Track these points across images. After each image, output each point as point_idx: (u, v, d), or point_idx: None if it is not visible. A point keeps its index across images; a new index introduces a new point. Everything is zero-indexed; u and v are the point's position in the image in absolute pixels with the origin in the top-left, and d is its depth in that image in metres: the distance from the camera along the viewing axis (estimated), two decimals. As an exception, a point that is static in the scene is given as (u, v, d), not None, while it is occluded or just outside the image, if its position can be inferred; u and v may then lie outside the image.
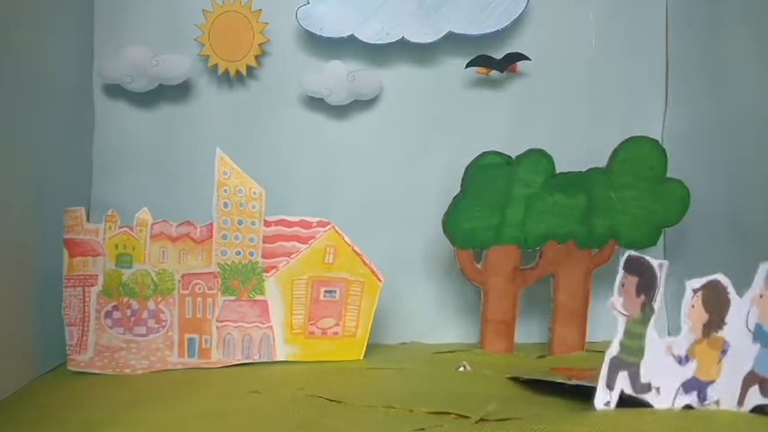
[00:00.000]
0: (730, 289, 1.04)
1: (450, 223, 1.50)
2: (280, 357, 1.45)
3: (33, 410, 1.14)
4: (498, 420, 0.99)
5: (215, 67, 1.65)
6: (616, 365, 1.01)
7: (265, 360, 1.45)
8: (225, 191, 1.43)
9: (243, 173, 1.45)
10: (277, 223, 1.46)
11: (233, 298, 1.44)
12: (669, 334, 1.67)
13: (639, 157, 1.52)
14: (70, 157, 1.56)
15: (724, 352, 1.04)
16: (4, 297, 1.23)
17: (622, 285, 1.01)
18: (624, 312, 1.01)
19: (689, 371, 1.03)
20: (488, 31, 1.66)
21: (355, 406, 1.11)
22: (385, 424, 1.02)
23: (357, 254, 1.46)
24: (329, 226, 1.47)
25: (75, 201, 1.45)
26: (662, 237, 1.58)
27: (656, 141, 1.55)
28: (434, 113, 1.71)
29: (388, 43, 1.65)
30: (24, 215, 1.32)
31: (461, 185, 1.51)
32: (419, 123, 1.71)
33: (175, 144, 1.67)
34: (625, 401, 1.01)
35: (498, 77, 1.69)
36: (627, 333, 1.01)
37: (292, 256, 1.45)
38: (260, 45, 1.65)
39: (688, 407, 1.03)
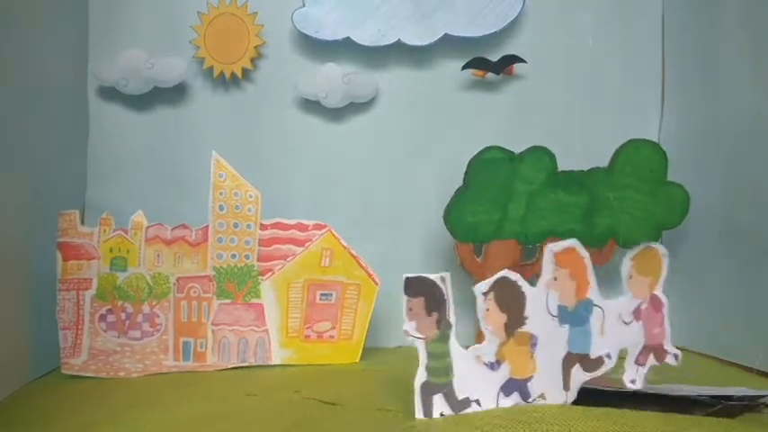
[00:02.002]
0: (521, 282, 1.02)
1: (452, 216, 1.50)
2: (275, 361, 1.45)
3: (27, 414, 1.13)
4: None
5: (210, 69, 1.65)
6: (428, 391, 0.99)
7: (261, 364, 1.44)
8: (221, 193, 1.43)
9: (238, 175, 1.44)
10: (273, 226, 1.46)
11: (228, 301, 1.43)
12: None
13: (640, 160, 1.53)
14: (65, 160, 1.55)
15: (534, 345, 1.03)
16: (-2, 300, 1.23)
17: (410, 309, 0.99)
18: (420, 336, 0.99)
19: (504, 374, 1.02)
20: (484, 33, 1.66)
21: (351, 409, 1.10)
22: (381, 427, 1.01)
23: (353, 257, 1.45)
24: (325, 229, 1.46)
25: (69, 203, 1.45)
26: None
27: (657, 145, 1.56)
28: (430, 116, 1.71)
29: (384, 46, 1.65)
30: (19, 218, 1.31)
31: (464, 179, 1.51)
32: (415, 126, 1.70)
33: (170, 147, 1.67)
34: None
35: (494, 80, 1.69)
36: (430, 355, 0.99)
37: (288, 259, 1.45)
38: (255, 47, 1.65)
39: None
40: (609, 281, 1.14)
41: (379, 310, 1.49)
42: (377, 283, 1.46)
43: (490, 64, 1.66)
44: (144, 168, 1.67)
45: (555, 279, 1.05)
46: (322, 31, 1.64)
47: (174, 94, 1.66)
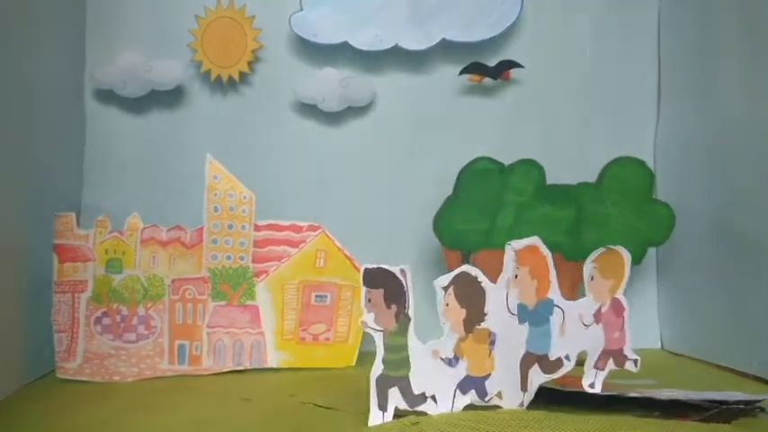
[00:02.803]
0: (481, 278, 1.02)
1: (441, 224, 1.51)
2: (271, 364, 1.44)
3: (21, 419, 1.13)
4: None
5: (208, 72, 1.65)
6: (384, 384, 0.99)
7: (256, 367, 1.44)
8: (215, 195, 1.43)
9: (233, 177, 1.44)
10: (267, 227, 1.46)
11: (224, 303, 1.43)
12: (662, 347, 1.68)
13: (627, 177, 1.54)
14: (61, 163, 1.55)
15: (492, 343, 1.02)
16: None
17: (369, 301, 0.98)
18: (378, 328, 0.98)
19: (461, 371, 1.01)
20: (482, 38, 1.66)
21: (347, 413, 1.10)
22: (377, 430, 1.01)
23: (348, 258, 1.45)
24: (320, 230, 1.46)
25: (65, 206, 1.45)
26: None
27: (643, 162, 1.57)
28: (427, 120, 1.71)
29: (382, 50, 1.66)
30: (16, 220, 1.31)
31: (454, 188, 1.52)
32: (412, 130, 1.71)
33: (167, 149, 1.67)
34: None
35: (491, 85, 1.69)
36: (387, 348, 0.99)
37: (283, 260, 1.45)
38: (253, 51, 1.65)
39: (470, 407, 1.02)
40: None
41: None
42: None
43: (487, 69, 1.67)
44: (141, 171, 1.66)
45: (516, 277, 1.04)
46: (320, 35, 1.64)
47: (172, 97, 1.66)
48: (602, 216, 1.52)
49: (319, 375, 1.40)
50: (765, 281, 1.32)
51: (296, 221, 1.47)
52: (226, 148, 1.57)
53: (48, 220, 1.37)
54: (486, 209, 1.51)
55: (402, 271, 0.99)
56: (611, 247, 1.15)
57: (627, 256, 1.15)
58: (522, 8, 1.66)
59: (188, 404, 1.21)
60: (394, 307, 0.99)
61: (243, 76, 1.66)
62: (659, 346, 1.69)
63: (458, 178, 1.52)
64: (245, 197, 1.44)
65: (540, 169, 1.53)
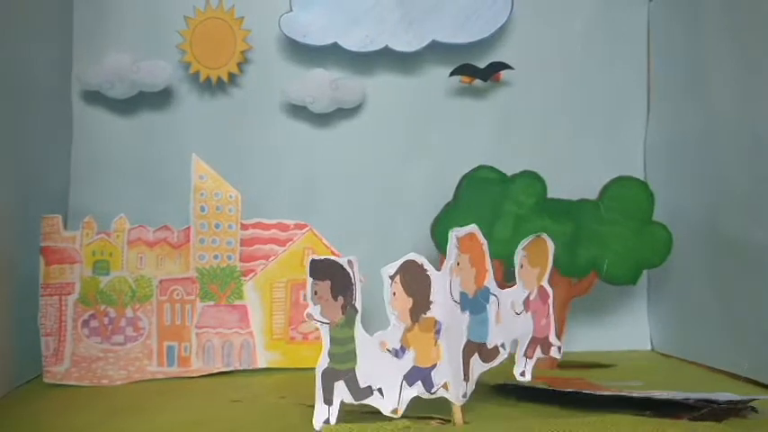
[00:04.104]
0: (427, 266, 1.01)
1: (438, 229, 1.50)
2: (261, 364, 1.43)
3: (7, 425, 1.11)
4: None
5: (196, 74, 1.64)
6: (330, 377, 0.97)
7: (246, 367, 1.43)
8: (201, 194, 1.42)
9: (219, 176, 1.44)
10: (254, 226, 1.46)
11: (212, 303, 1.42)
12: (652, 348, 1.69)
13: (628, 197, 1.53)
14: (48, 164, 1.54)
15: (438, 332, 1.01)
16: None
17: (315, 293, 0.97)
18: (324, 320, 0.97)
19: (408, 362, 1.00)
20: (472, 40, 1.66)
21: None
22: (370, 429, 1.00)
23: (336, 256, 1.44)
24: (307, 228, 1.46)
25: (52, 208, 1.43)
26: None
27: (645, 184, 1.57)
28: (418, 122, 1.71)
29: (372, 51, 1.65)
30: (1, 222, 1.29)
31: (454, 194, 1.51)
32: (402, 132, 1.70)
33: (155, 151, 1.65)
34: None
35: (482, 86, 1.69)
36: (333, 341, 0.97)
37: (270, 259, 1.44)
38: (242, 52, 1.64)
39: (416, 399, 1.01)
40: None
41: (364, 312, 1.48)
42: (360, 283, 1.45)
43: (478, 71, 1.67)
44: (128, 172, 1.65)
45: (458, 265, 1.04)
46: (309, 36, 1.64)
47: (160, 98, 1.65)
48: (599, 234, 1.51)
49: (310, 375, 1.38)
50: (755, 282, 1.32)
51: (282, 220, 1.47)
52: (215, 150, 1.57)
53: (34, 222, 1.36)
54: (484, 218, 1.48)
55: (349, 262, 0.98)
56: (539, 234, 1.17)
57: (551, 245, 1.17)
58: (512, 10, 1.66)
59: (178, 407, 1.20)
60: (341, 299, 0.97)
61: (232, 77, 1.65)
62: (649, 348, 1.70)
63: (458, 185, 1.51)
64: (231, 196, 1.44)
65: (541, 182, 1.52)
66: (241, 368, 1.43)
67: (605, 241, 1.51)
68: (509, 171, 1.53)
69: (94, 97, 1.64)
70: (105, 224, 1.41)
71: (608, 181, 1.54)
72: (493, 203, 1.50)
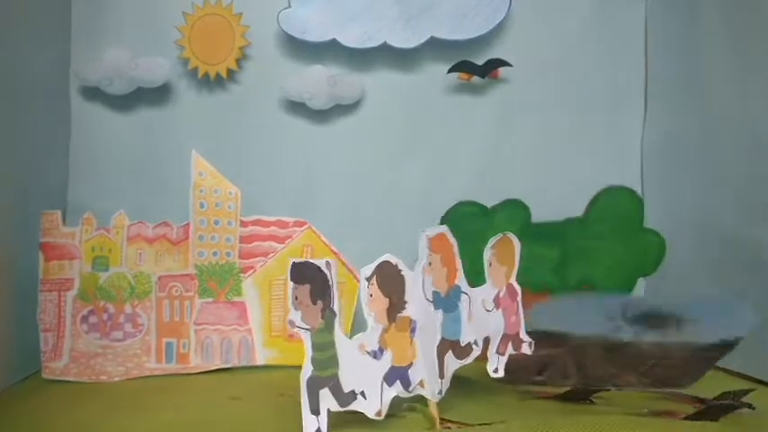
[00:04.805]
0: (401, 266, 1.02)
1: None
2: (259, 361, 1.44)
3: (6, 420, 1.11)
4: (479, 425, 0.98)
5: (195, 70, 1.64)
6: (314, 386, 0.95)
7: (245, 365, 1.43)
8: (201, 191, 1.42)
9: (218, 173, 1.44)
10: (253, 223, 1.46)
11: (211, 300, 1.43)
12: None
13: (616, 208, 1.54)
14: (47, 160, 1.54)
15: (413, 331, 1.02)
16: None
17: (296, 298, 0.95)
18: (306, 326, 0.95)
19: (386, 362, 1.00)
20: (470, 36, 1.66)
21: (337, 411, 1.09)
22: (366, 428, 1.00)
23: (335, 254, 1.45)
24: (306, 226, 1.46)
25: (51, 204, 1.44)
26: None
27: (633, 191, 1.57)
28: (416, 118, 1.71)
29: (370, 48, 1.65)
30: (1, 218, 1.29)
31: None
32: (400, 128, 1.71)
33: (154, 147, 1.66)
34: None
35: (480, 83, 1.69)
36: (315, 347, 0.95)
37: (269, 256, 1.44)
38: (241, 48, 1.64)
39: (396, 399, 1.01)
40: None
41: (361, 309, 1.48)
42: (359, 281, 1.45)
43: (476, 67, 1.67)
44: (126, 168, 1.65)
45: (430, 264, 1.05)
46: (308, 32, 1.64)
47: (158, 94, 1.65)
48: (588, 251, 1.52)
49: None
50: (750, 278, 1.32)
51: (281, 217, 1.47)
52: (213, 146, 1.57)
53: (33, 218, 1.36)
54: (470, 252, 1.48)
55: (327, 264, 0.96)
56: (505, 233, 1.18)
57: (517, 244, 1.19)
58: (510, 7, 1.66)
59: (176, 403, 1.20)
60: (320, 303, 0.95)
61: (230, 73, 1.65)
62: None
63: (441, 222, 1.51)
64: (230, 193, 1.44)
65: (525, 209, 1.53)
66: (240, 365, 1.43)
67: (594, 257, 1.52)
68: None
69: (93, 93, 1.64)
70: (104, 220, 1.41)
71: (596, 193, 1.54)
72: (478, 236, 1.49)
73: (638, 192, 1.61)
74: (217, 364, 1.42)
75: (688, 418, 1.01)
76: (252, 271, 1.44)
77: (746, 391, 1.08)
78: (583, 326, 1.22)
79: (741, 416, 1.04)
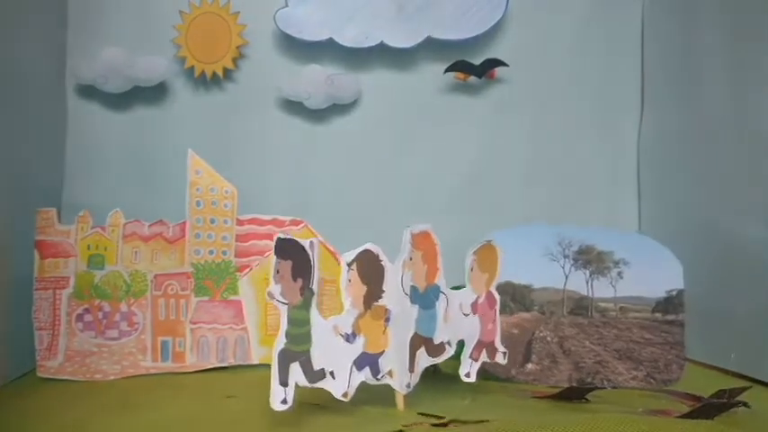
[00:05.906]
0: (382, 257, 1.05)
1: None
2: (255, 360, 1.43)
3: (0, 419, 1.11)
4: (473, 422, 0.98)
5: (191, 68, 1.64)
6: (286, 358, 0.99)
7: (241, 363, 1.43)
8: (197, 190, 1.42)
9: (215, 172, 1.44)
10: (250, 222, 1.46)
11: (206, 299, 1.42)
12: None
13: None
14: (43, 158, 1.53)
15: (387, 320, 1.05)
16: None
17: (277, 272, 0.99)
18: (284, 301, 0.99)
19: (358, 347, 1.04)
20: (467, 36, 1.67)
21: (334, 409, 1.09)
22: (364, 426, 1.00)
23: (331, 252, 1.45)
24: (302, 224, 1.46)
25: (47, 201, 1.43)
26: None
27: None
28: (413, 118, 1.71)
29: (367, 47, 1.66)
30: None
31: None
32: (397, 128, 1.71)
33: (150, 145, 1.66)
34: None
35: (476, 83, 1.70)
36: (291, 321, 1.00)
37: (266, 255, 1.44)
38: (237, 47, 1.64)
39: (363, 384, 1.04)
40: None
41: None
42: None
43: (473, 67, 1.67)
44: (122, 166, 1.65)
45: (411, 260, 1.07)
46: (305, 31, 1.64)
47: (155, 93, 1.65)
48: None
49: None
50: (745, 277, 1.33)
51: (278, 216, 1.47)
52: (210, 145, 1.57)
53: (29, 216, 1.36)
54: None
55: (311, 243, 1.00)
56: (489, 240, 1.19)
57: (500, 252, 1.20)
58: (507, 7, 1.67)
59: (171, 402, 1.19)
60: (300, 280, 1.00)
61: (227, 72, 1.66)
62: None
63: None
64: (226, 192, 1.44)
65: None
66: (235, 364, 1.43)
67: None
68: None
69: (89, 92, 1.64)
70: (100, 218, 1.40)
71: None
72: None
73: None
74: (212, 362, 1.42)
75: (683, 416, 1.01)
76: (248, 270, 1.44)
77: (742, 390, 1.08)
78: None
79: (736, 414, 1.04)
